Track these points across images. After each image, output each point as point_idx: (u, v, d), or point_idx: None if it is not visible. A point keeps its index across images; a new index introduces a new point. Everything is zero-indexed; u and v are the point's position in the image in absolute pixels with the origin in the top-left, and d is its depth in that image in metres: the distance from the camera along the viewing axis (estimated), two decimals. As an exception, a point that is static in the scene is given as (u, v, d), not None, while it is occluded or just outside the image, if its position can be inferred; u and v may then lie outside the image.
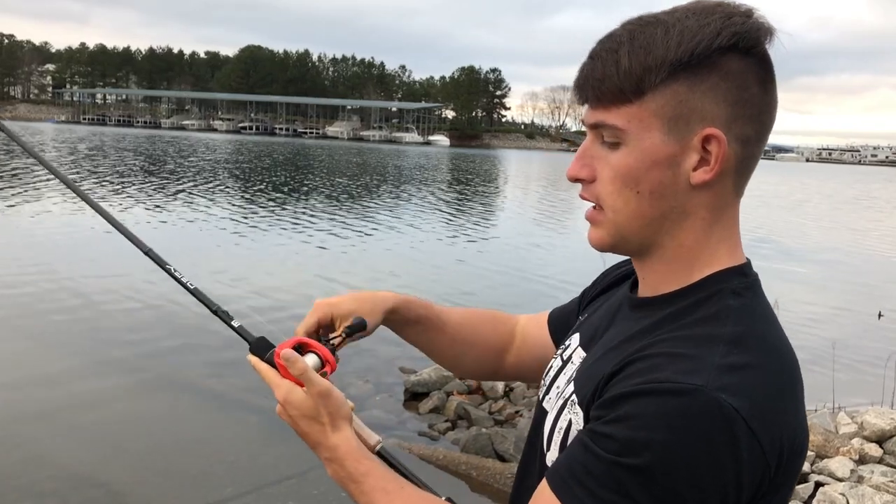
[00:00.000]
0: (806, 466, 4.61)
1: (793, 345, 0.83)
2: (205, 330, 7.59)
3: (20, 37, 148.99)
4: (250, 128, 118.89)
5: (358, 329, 1.13)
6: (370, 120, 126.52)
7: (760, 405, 0.77)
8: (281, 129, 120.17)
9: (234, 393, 5.95)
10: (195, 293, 1.21)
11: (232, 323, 1.17)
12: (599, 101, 0.88)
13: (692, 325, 0.85)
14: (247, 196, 21.59)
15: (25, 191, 18.83)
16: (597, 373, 0.88)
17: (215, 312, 1.20)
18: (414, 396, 6.11)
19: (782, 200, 33.06)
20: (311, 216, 17.46)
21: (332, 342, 1.10)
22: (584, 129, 0.93)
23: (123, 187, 21.54)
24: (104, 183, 22.60)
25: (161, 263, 1.27)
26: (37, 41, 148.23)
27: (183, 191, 21.58)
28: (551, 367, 1.09)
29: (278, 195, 22.42)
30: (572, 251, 14.00)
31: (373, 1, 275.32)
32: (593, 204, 0.92)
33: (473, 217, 19.82)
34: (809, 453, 4.78)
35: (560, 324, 1.25)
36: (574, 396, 0.93)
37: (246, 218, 16.48)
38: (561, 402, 0.97)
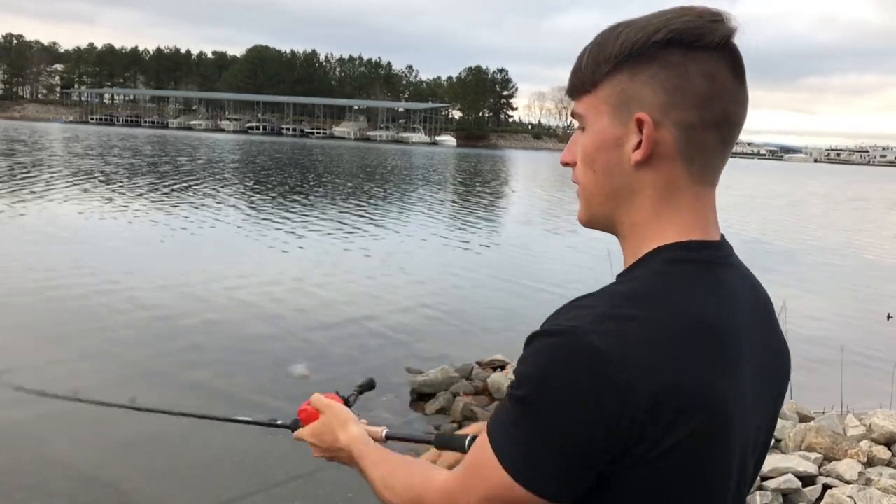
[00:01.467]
0: (813, 469, 4.59)
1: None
2: (211, 331, 7.63)
3: (29, 37, 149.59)
4: (257, 128, 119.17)
5: (368, 388, 1.47)
6: (377, 120, 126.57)
7: (631, 351, 0.83)
8: (288, 129, 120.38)
9: (242, 393, 5.98)
10: (252, 422, 1.59)
11: (276, 423, 1.48)
12: (571, 94, 1.01)
13: (613, 285, 0.94)
14: (254, 198, 21.64)
15: (43, 190, 18.91)
16: None
17: (265, 425, 1.52)
18: (420, 397, 6.12)
19: (782, 200, 33.02)
20: (316, 218, 17.50)
21: (347, 397, 1.39)
22: None
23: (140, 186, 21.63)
24: (124, 183, 22.70)
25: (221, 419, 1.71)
26: (45, 41, 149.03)
27: (191, 190, 21.66)
28: None
29: (283, 197, 22.46)
30: (582, 256, 14.00)
31: (379, 2, 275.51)
32: (577, 184, 1.04)
33: (479, 221, 19.83)
34: (817, 455, 4.77)
35: None
36: None
37: (251, 218, 16.52)
38: None
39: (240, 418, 1.59)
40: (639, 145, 0.93)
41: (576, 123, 1.02)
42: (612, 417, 0.83)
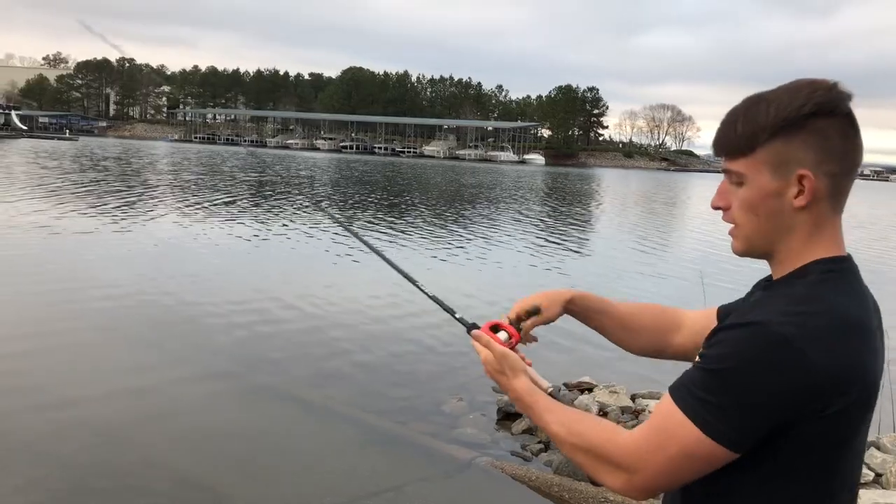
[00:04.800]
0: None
1: None
2: (307, 343, 7.87)
3: (140, 61, 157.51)
4: (351, 147, 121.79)
5: (533, 313, 1.63)
6: (466, 139, 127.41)
7: (810, 333, 1.12)
8: (380, 148, 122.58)
9: (334, 405, 6.15)
10: (434, 299, 1.73)
11: (455, 315, 1.66)
12: (726, 156, 1.28)
13: (778, 290, 1.25)
14: (348, 212, 22.12)
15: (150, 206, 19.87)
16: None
17: (445, 308, 1.71)
18: (507, 416, 6.14)
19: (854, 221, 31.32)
20: (408, 232, 17.73)
21: (520, 324, 1.61)
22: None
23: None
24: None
25: (412, 279, 1.77)
26: (154, 64, 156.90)
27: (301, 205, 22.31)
28: None
29: (374, 212, 22.86)
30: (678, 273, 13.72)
31: (465, 23, 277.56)
32: (732, 224, 1.30)
33: (569, 240, 19.67)
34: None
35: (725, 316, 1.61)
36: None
37: (346, 232, 16.91)
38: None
39: (426, 290, 1.72)
40: (799, 194, 1.21)
41: (723, 176, 1.30)
42: (797, 389, 1.12)
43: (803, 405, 1.12)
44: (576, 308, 1.67)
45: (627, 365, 7.45)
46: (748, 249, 1.31)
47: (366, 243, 2.01)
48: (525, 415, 1.44)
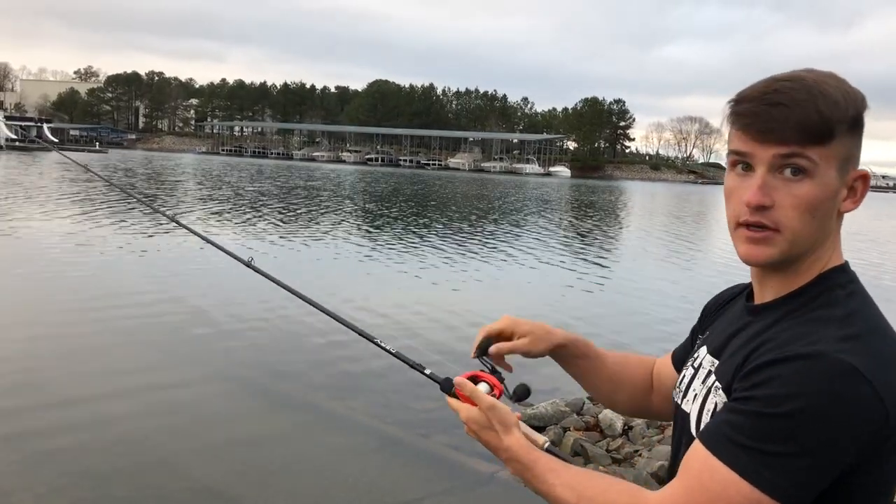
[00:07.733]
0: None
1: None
2: (329, 355, 7.86)
3: (168, 74, 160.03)
4: (376, 159, 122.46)
5: (523, 398, 1.36)
6: (491, 151, 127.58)
7: (875, 361, 0.98)
8: (405, 160, 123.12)
9: (357, 417, 6.13)
10: (397, 355, 1.62)
11: (425, 371, 1.51)
12: (800, 139, 1.05)
13: (810, 312, 1.08)
14: (375, 225, 22.17)
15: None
16: (733, 364, 1.11)
17: (412, 366, 1.57)
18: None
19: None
20: (430, 245, 17.73)
21: (501, 375, 1.37)
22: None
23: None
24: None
25: (369, 337, 1.70)
26: (182, 78, 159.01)
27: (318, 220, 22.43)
28: (684, 376, 1.30)
29: (400, 226, 22.89)
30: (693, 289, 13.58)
31: (492, 36, 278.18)
32: (764, 226, 1.09)
33: (590, 255, 19.52)
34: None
35: (682, 358, 1.42)
36: (717, 384, 1.14)
37: (376, 248, 16.94)
38: (703, 395, 1.18)
39: (387, 347, 1.61)
40: (848, 195, 1.11)
41: (761, 166, 1.08)
42: (870, 425, 0.97)
43: (871, 443, 0.97)
44: (565, 353, 1.48)
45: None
46: (786, 257, 1.10)
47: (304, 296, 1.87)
48: (521, 478, 1.23)
